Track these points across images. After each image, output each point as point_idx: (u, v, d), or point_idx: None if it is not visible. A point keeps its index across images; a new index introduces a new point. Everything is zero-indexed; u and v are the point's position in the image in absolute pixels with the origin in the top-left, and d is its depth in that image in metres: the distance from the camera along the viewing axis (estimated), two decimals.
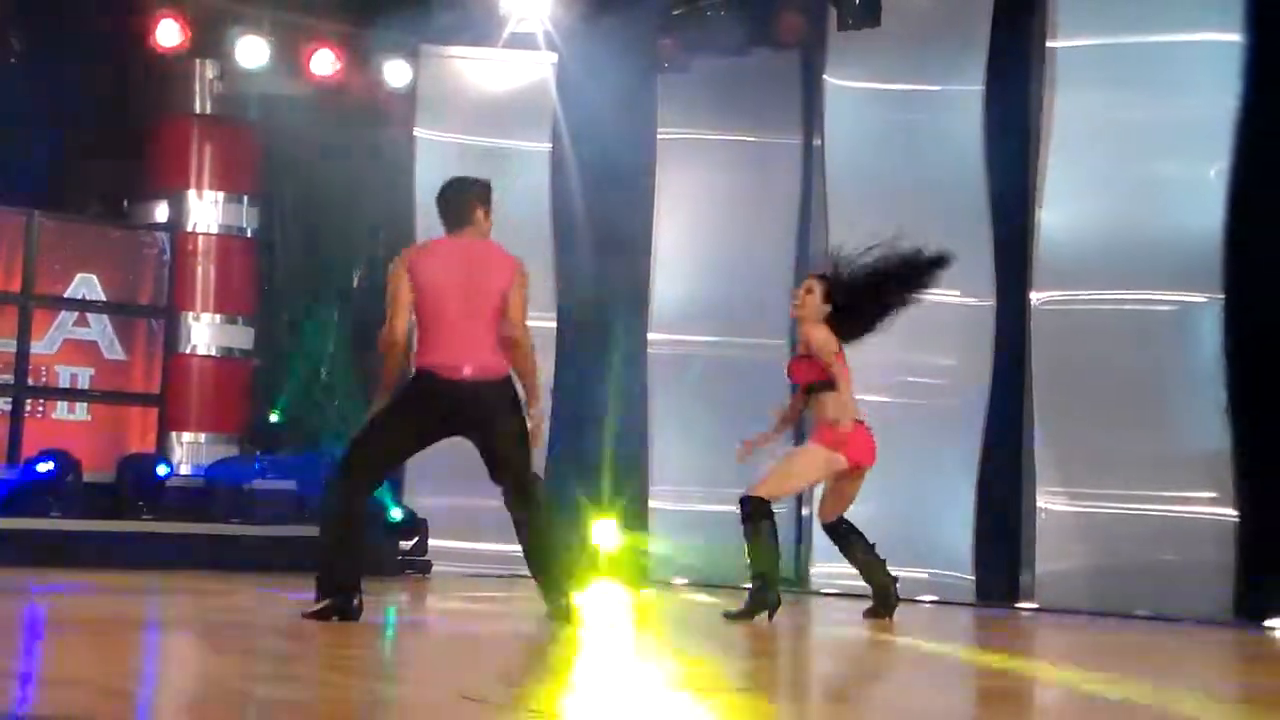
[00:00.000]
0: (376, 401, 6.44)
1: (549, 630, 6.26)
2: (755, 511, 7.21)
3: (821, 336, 7.24)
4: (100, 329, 11.64)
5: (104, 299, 11.61)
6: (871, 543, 7.47)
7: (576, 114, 11.59)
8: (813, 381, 7.32)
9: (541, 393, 6.75)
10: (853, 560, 7.54)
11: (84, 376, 11.56)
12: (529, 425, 6.46)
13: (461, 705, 3.93)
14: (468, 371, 6.31)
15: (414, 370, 6.47)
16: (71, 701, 3.80)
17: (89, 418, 11.58)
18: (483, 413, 6.35)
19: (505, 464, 6.45)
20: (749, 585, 7.16)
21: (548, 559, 6.49)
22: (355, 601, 6.17)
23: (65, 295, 11.46)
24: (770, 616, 7.07)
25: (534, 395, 6.53)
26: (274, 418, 12.03)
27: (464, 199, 6.55)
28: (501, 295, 6.40)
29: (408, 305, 6.33)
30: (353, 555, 6.33)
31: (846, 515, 7.51)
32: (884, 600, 7.44)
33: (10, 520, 9.80)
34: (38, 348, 11.37)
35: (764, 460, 7.79)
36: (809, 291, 7.39)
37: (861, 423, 7.27)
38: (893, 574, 7.50)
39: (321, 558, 6.36)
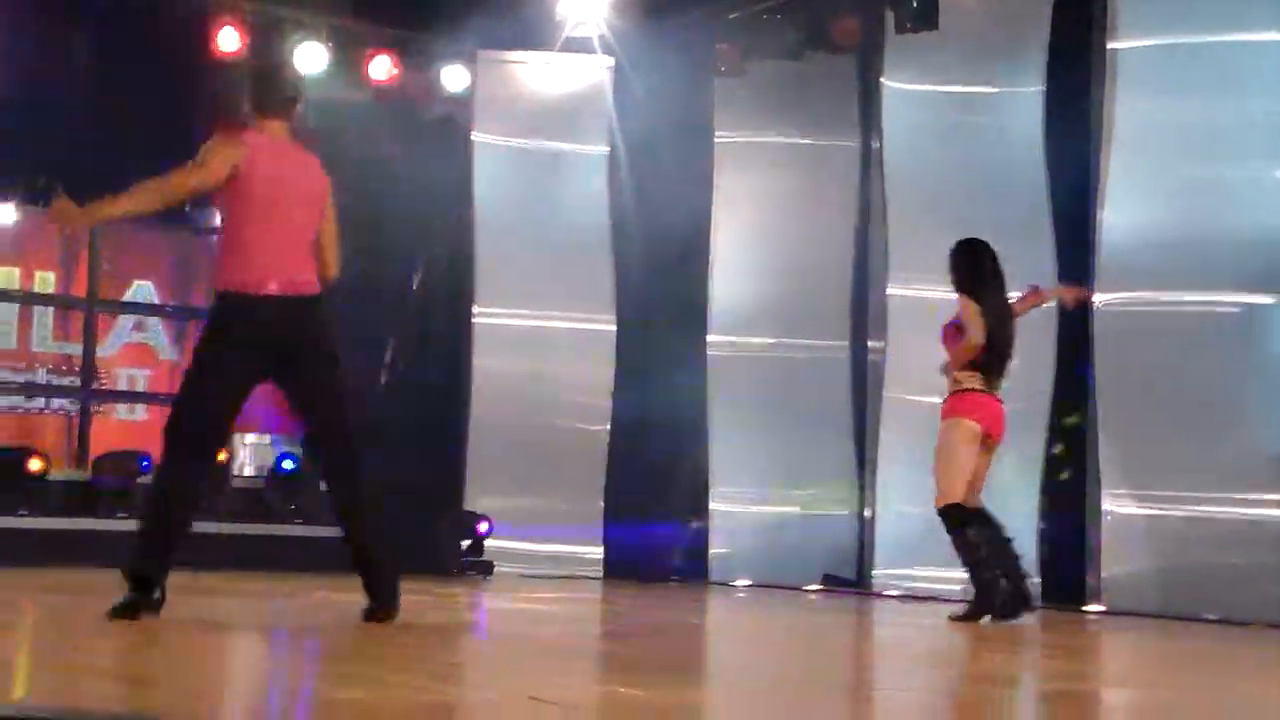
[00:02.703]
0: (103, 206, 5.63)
1: (608, 630, 6.25)
2: (949, 522, 7.30)
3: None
4: (156, 332, 11.83)
5: (158, 303, 11.82)
6: (1006, 539, 7.40)
7: (633, 118, 11.61)
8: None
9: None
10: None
11: (141, 378, 11.74)
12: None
13: (525, 705, 3.93)
14: (273, 288, 5.63)
15: (217, 294, 5.74)
16: (137, 701, 3.84)
17: (147, 417, 11.76)
18: (294, 336, 5.63)
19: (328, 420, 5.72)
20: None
21: (374, 548, 5.79)
22: (157, 595, 5.56)
23: (125, 300, 11.66)
24: (998, 617, 7.14)
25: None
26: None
27: (294, 86, 5.92)
28: (323, 205, 5.83)
29: (216, 184, 5.57)
30: (169, 538, 5.57)
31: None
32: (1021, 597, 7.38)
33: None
34: (99, 351, 11.57)
35: None
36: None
37: (988, 394, 7.36)
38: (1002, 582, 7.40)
39: (135, 539, 5.61)
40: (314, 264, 5.84)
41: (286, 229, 5.71)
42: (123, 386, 11.69)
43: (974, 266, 7.52)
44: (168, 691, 4.01)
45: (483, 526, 10.75)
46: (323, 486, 5.98)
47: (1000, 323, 7.42)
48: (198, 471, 5.75)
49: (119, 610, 5.54)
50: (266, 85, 5.87)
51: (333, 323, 5.82)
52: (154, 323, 11.79)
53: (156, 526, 5.64)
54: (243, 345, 5.63)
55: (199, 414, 5.66)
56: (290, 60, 6.14)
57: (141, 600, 5.56)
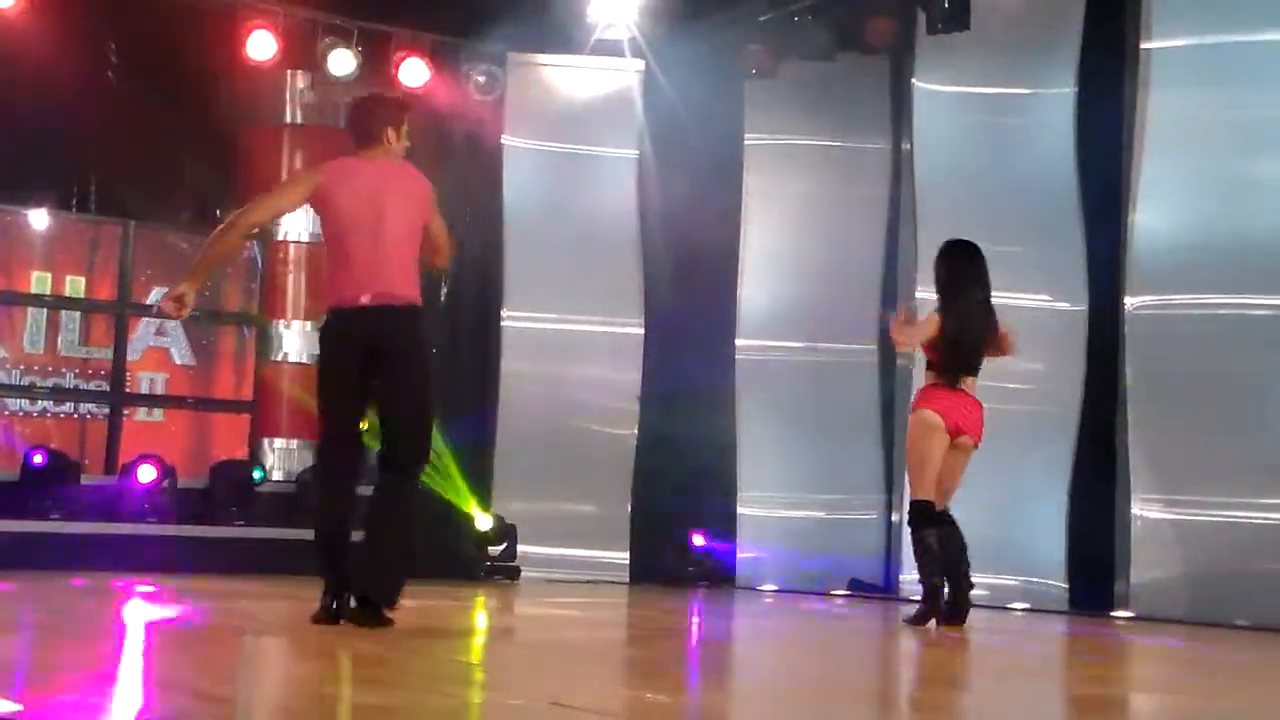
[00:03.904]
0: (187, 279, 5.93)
1: (635, 635, 6.23)
2: (913, 519, 7.33)
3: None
4: (176, 337, 11.97)
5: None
6: (964, 549, 7.36)
7: (663, 120, 11.60)
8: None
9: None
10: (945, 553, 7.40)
11: (160, 382, 11.87)
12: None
13: (551, 711, 3.92)
14: (365, 300, 5.97)
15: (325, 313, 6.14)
16: (165, 705, 3.84)
17: (163, 419, 11.93)
18: (382, 338, 5.96)
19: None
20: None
21: (388, 547, 6.00)
22: (347, 598, 5.95)
23: (149, 303, 11.80)
24: (926, 622, 7.14)
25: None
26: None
27: (373, 117, 6.22)
28: (422, 214, 6.20)
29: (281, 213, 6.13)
30: (345, 545, 6.00)
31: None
32: (954, 607, 7.30)
33: (103, 525, 10.03)
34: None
35: None
36: None
37: (961, 392, 7.33)
38: (972, 586, 7.38)
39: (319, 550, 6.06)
40: (413, 273, 6.15)
41: (377, 243, 6.02)
42: (144, 390, 11.86)
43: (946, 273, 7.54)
44: (191, 695, 4.02)
45: (496, 530, 10.76)
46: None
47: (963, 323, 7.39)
48: (348, 471, 6.11)
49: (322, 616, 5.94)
50: (354, 121, 6.31)
51: (426, 332, 6.16)
52: (173, 327, 11.92)
53: (330, 534, 6.00)
54: (343, 352, 6.04)
55: (332, 419, 6.13)
56: (385, 93, 6.66)
57: (336, 604, 5.92)
